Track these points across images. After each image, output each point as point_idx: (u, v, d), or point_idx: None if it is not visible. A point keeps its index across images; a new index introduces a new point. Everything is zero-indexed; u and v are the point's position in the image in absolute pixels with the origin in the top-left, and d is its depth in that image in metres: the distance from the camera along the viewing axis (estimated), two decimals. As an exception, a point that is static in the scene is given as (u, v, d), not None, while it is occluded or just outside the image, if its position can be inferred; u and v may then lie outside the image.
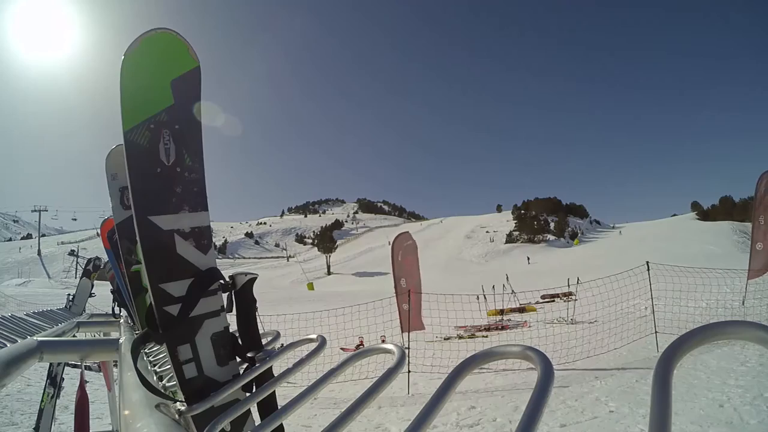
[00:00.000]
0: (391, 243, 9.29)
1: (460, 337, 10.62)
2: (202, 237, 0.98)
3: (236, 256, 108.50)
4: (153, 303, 0.91)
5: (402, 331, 8.03)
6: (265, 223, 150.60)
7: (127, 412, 0.86)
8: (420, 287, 8.65)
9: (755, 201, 9.86)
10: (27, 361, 1.23)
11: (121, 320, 2.71)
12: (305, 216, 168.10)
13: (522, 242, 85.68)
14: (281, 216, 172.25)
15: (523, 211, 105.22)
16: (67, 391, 3.33)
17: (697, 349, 0.38)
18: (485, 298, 13.24)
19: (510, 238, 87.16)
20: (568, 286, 14.06)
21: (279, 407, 0.78)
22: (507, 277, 15.34)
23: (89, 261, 4.90)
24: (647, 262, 8.61)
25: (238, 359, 0.98)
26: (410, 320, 8.03)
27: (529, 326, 11.49)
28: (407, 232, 9.53)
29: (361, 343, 9.01)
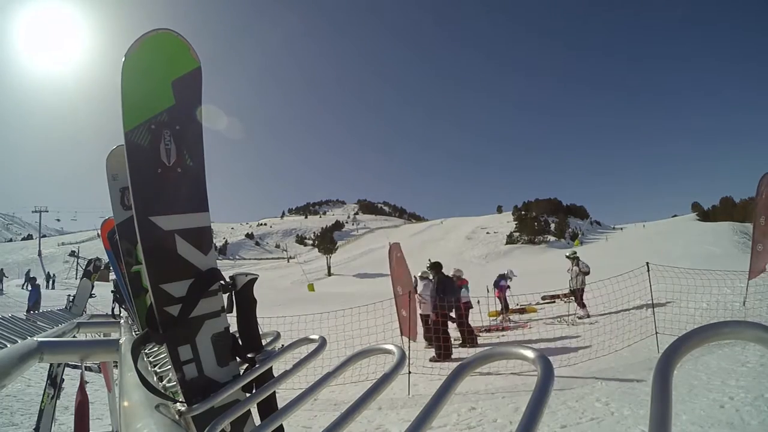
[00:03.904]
0: (390, 245, 9.54)
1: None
2: (202, 237, 0.98)
3: (237, 257, 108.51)
4: (153, 303, 0.91)
5: (401, 334, 8.05)
6: (265, 224, 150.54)
7: (127, 413, 0.86)
8: (413, 297, 8.72)
9: (756, 201, 9.83)
10: (27, 361, 1.23)
11: (121, 321, 2.71)
12: (306, 217, 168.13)
13: (522, 243, 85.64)
14: (282, 217, 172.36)
15: (523, 212, 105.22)
16: (68, 391, 3.32)
17: (698, 349, 0.38)
18: (489, 292, 13.23)
19: (510, 239, 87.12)
20: (570, 287, 14.04)
21: (279, 408, 0.78)
22: (509, 276, 15.07)
23: (89, 262, 4.90)
24: (647, 263, 8.60)
25: (238, 360, 0.98)
26: (410, 326, 8.12)
27: (530, 327, 11.47)
28: (397, 243, 9.87)
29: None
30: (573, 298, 12.52)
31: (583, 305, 11.42)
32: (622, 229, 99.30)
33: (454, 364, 0.50)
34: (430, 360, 8.07)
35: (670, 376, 0.36)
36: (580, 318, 11.19)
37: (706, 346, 0.39)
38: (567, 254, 13.53)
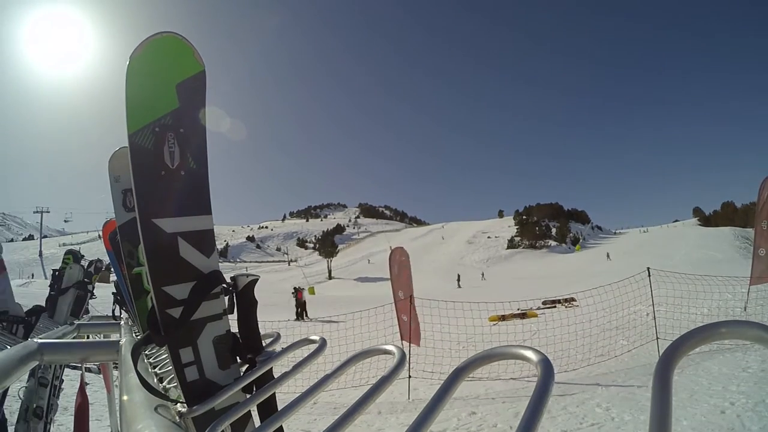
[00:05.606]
0: (391, 249, 9.36)
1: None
2: (205, 240, 0.98)
3: (238, 259, 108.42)
4: (155, 305, 0.92)
5: (401, 339, 8.04)
6: (266, 227, 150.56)
7: (127, 414, 0.86)
8: (413, 302, 8.66)
9: (758, 206, 9.76)
10: (27, 363, 1.23)
11: (122, 322, 2.71)
12: (307, 220, 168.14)
13: (524, 248, 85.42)
14: (283, 220, 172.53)
15: (524, 217, 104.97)
16: (67, 392, 3.32)
17: (699, 355, 0.39)
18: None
19: (512, 244, 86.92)
20: (570, 294, 14.02)
21: (279, 409, 0.78)
22: None
23: (90, 263, 4.88)
24: (648, 268, 8.58)
25: (239, 360, 0.98)
26: (410, 331, 8.08)
27: (531, 332, 11.44)
28: (401, 247, 9.67)
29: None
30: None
31: None
32: (617, 234, 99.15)
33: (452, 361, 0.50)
34: None
35: (671, 377, 0.37)
36: None
37: (707, 351, 0.39)
38: None
